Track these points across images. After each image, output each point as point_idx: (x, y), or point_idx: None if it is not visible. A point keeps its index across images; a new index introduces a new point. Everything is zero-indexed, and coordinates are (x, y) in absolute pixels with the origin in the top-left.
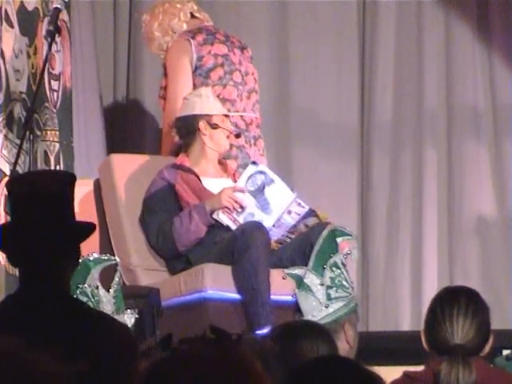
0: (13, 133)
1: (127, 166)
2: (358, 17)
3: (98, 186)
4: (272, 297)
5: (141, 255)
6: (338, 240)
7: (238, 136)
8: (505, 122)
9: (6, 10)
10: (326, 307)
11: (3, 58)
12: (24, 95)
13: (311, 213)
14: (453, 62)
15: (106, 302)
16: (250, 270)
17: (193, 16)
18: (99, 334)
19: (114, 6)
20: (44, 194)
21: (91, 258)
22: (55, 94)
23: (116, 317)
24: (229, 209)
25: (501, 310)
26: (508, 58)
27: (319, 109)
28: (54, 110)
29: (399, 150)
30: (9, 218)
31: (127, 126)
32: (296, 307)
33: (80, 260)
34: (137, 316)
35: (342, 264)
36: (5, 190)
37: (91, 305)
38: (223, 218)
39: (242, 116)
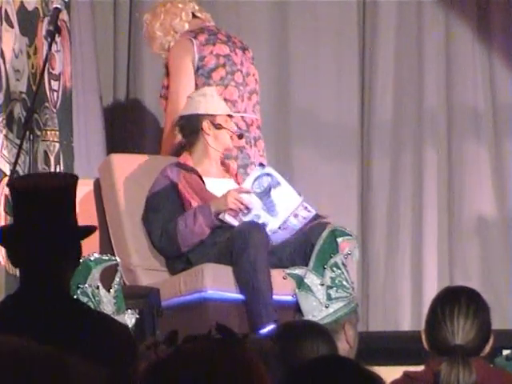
0: (13, 133)
1: (127, 166)
2: (358, 17)
3: (98, 185)
4: (272, 297)
5: (141, 255)
6: (339, 240)
7: (240, 137)
8: (505, 122)
9: (5, 10)
10: (327, 307)
11: (3, 58)
12: (24, 95)
13: (317, 217)
14: (453, 62)
15: (107, 302)
16: (249, 269)
17: (194, 16)
18: (99, 334)
19: (114, 5)
20: (46, 195)
21: (92, 258)
22: (55, 93)
23: (116, 317)
24: (234, 210)
25: (501, 309)
26: (508, 58)
27: (319, 109)
28: (54, 110)
29: (399, 150)
30: (9, 218)
31: (127, 126)
32: (296, 307)
33: (81, 260)
34: (137, 316)
35: (343, 264)
36: (5, 189)
37: (92, 305)
38: (229, 219)
39: (242, 117)
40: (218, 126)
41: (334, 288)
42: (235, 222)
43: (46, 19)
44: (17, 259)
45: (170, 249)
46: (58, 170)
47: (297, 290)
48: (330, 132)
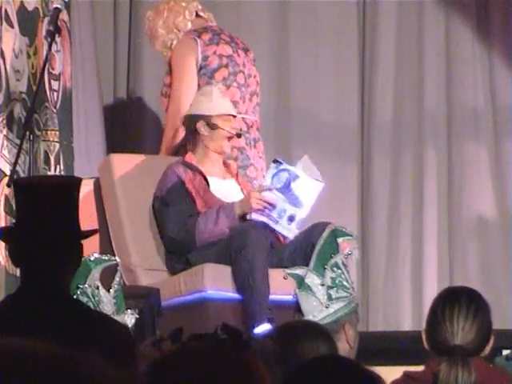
0: (13, 133)
1: (127, 166)
2: (358, 17)
3: (98, 185)
4: (272, 297)
5: (141, 255)
6: (339, 240)
7: (239, 136)
8: (505, 122)
9: (6, 10)
10: (327, 307)
11: (3, 58)
12: (24, 95)
13: None
14: (453, 62)
15: (107, 302)
16: (246, 268)
17: (197, 15)
18: (99, 334)
19: (114, 6)
20: (48, 193)
21: (92, 259)
22: (55, 94)
23: (116, 317)
24: (260, 209)
25: (501, 310)
26: (508, 58)
27: (319, 109)
28: (54, 110)
29: (399, 150)
30: (9, 218)
31: (127, 126)
32: (296, 307)
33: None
34: (137, 316)
35: (343, 264)
36: (5, 189)
37: (91, 305)
38: (257, 217)
39: (243, 118)
40: (213, 127)
41: (335, 288)
42: (264, 219)
43: (46, 19)
44: (18, 258)
45: (185, 243)
46: (57, 169)
47: (297, 290)
48: (330, 132)
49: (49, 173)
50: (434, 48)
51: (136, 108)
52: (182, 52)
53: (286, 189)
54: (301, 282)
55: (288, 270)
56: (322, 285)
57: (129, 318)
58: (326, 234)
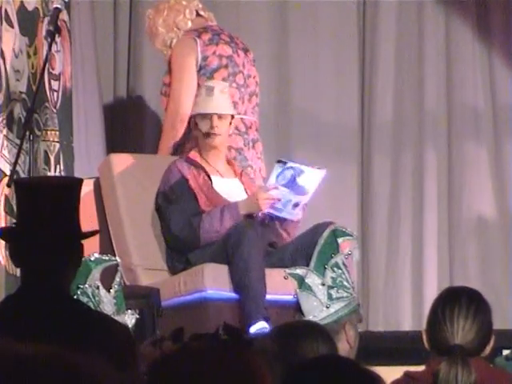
0: (13, 133)
1: (127, 166)
2: (357, 17)
3: (98, 185)
4: (273, 296)
5: (141, 255)
6: (339, 240)
7: (206, 135)
8: (505, 122)
9: (6, 10)
10: (327, 307)
11: (3, 58)
12: (24, 95)
13: None
14: (453, 62)
15: (107, 302)
16: (242, 267)
17: (198, 14)
18: (99, 334)
19: (114, 5)
20: (49, 192)
21: (92, 259)
22: (55, 94)
23: (117, 317)
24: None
25: (501, 310)
26: (508, 58)
27: (319, 109)
28: (54, 110)
29: (399, 150)
30: (9, 218)
31: (127, 126)
32: (297, 307)
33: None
34: (137, 316)
35: (343, 264)
36: (5, 189)
37: (92, 305)
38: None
39: (242, 119)
40: (195, 125)
41: (335, 288)
42: (272, 211)
43: (46, 19)
44: (18, 258)
45: (190, 241)
46: (57, 170)
47: (298, 290)
48: (330, 132)
49: (49, 173)
50: (434, 48)
51: (136, 108)
52: (182, 52)
53: (291, 183)
54: (301, 282)
55: (288, 270)
56: (323, 285)
57: (129, 318)
58: (326, 233)
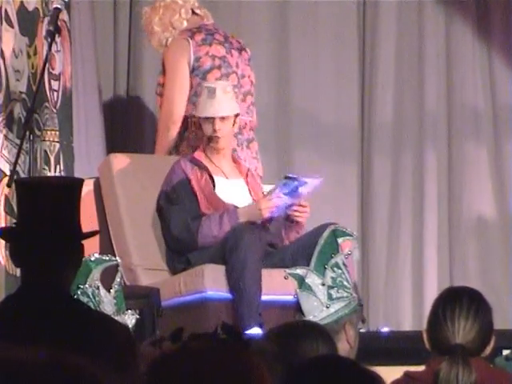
0: (13, 133)
1: (127, 166)
2: (358, 17)
3: (98, 185)
4: (273, 297)
5: (141, 255)
6: (339, 240)
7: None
8: (505, 122)
9: (6, 10)
10: (327, 307)
11: (3, 58)
12: (24, 95)
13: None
14: (453, 62)
15: (107, 302)
16: (238, 269)
17: (193, 13)
18: (99, 335)
19: (114, 5)
20: (50, 192)
21: (92, 259)
22: (55, 93)
23: (117, 317)
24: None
25: (501, 310)
26: (508, 58)
27: (319, 110)
28: (54, 110)
29: (399, 150)
30: (9, 218)
31: (127, 126)
32: (297, 307)
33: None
34: (137, 316)
35: (343, 264)
36: (5, 189)
37: (92, 305)
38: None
39: None
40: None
41: (335, 288)
42: (273, 214)
43: (46, 19)
44: (19, 258)
45: (187, 244)
46: (57, 170)
47: (298, 290)
48: (330, 132)
49: (49, 173)
50: (434, 48)
51: (136, 108)
52: (175, 53)
53: (293, 192)
54: (301, 282)
55: (288, 270)
56: (323, 285)
57: (129, 319)
58: (326, 233)
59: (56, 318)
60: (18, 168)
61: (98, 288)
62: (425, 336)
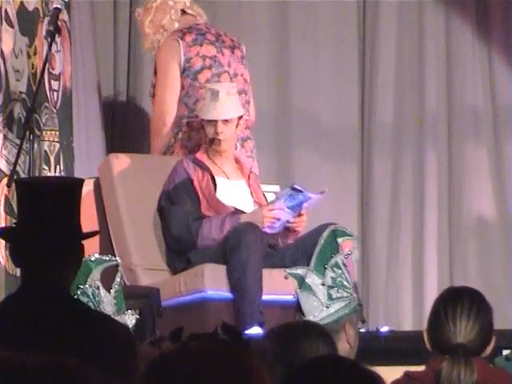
0: (13, 133)
1: (127, 166)
2: (358, 17)
3: (98, 185)
4: (273, 296)
5: (141, 255)
6: (339, 240)
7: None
8: (505, 122)
9: (6, 10)
10: (327, 307)
11: (3, 58)
12: (24, 95)
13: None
14: (453, 62)
15: (107, 302)
16: (239, 269)
17: (185, 13)
18: (99, 335)
19: (114, 5)
20: (50, 192)
21: (92, 259)
22: (55, 93)
23: (117, 317)
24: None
25: (501, 310)
26: (508, 58)
27: (319, 110)
28: (54, 110)
29: (400, 150)
30: (9, 218)
31: (127, 126)
32: (297, 307)
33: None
34: (138, 316)
35: (343, 264)
36: (5, 189)
37: (92, 305)
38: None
39: None
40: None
41: (335, 288)
42: (267, 230)
43: (46, 19)
44: (19, 258)
45: (186, 245)
46: (57, 170)
47: (298, 290)
48: (331, 133)
49: (49, 173)
50: (434, 48)
51: (136, 108)
52: (166, 55)
53: (297, 207)
54: (301, 282)
55: (289, 270)
56: (323, 285)
57: (129, 319)
58: (326, 233)
59: (56, 318)
60: (17, 168)
61: (98, 288)
62: (425, 336)
